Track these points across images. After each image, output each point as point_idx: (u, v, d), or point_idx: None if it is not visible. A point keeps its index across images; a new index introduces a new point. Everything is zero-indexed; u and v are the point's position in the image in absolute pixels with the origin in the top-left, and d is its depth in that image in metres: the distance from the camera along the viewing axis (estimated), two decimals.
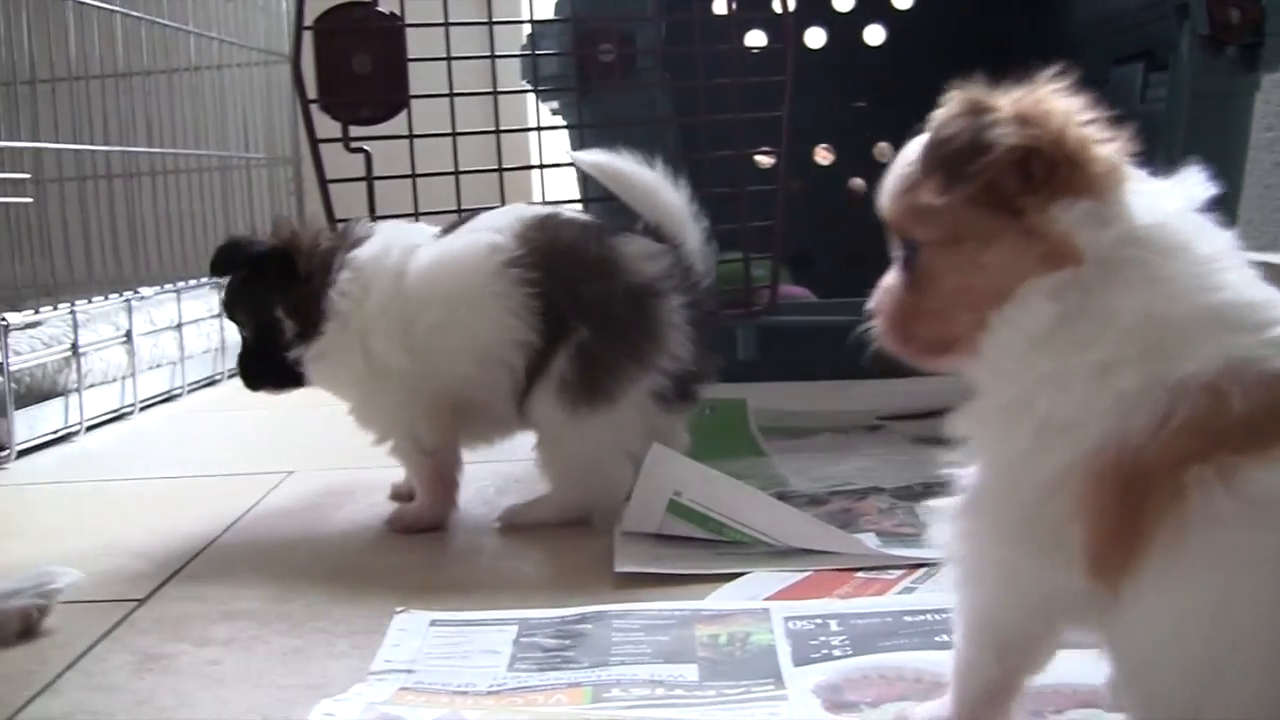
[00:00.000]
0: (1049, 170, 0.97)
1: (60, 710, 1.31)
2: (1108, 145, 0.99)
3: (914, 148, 1.05)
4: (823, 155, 3.34)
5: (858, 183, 3.32)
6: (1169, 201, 0.98)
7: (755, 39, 3.18)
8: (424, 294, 1.84)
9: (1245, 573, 0.85)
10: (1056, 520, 0.94)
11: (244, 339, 2.01)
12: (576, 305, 1.80)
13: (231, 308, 2.01)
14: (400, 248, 1.90)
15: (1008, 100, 0.99)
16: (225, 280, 2.00)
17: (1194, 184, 1.00)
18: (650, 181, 1.94)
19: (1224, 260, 0.96)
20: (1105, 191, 0.97)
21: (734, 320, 2.42)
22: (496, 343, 1.81)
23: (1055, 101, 0.99)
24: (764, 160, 3.01)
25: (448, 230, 1.94)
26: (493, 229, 1.86)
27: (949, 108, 1.01)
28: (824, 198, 3.24)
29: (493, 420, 1.95)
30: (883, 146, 3.32)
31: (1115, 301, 0.94)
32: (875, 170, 3.35)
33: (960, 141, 0.98)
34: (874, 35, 3.32)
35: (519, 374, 1.83)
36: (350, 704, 1.24)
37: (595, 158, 1.98)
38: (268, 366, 1.96)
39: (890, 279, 1.09)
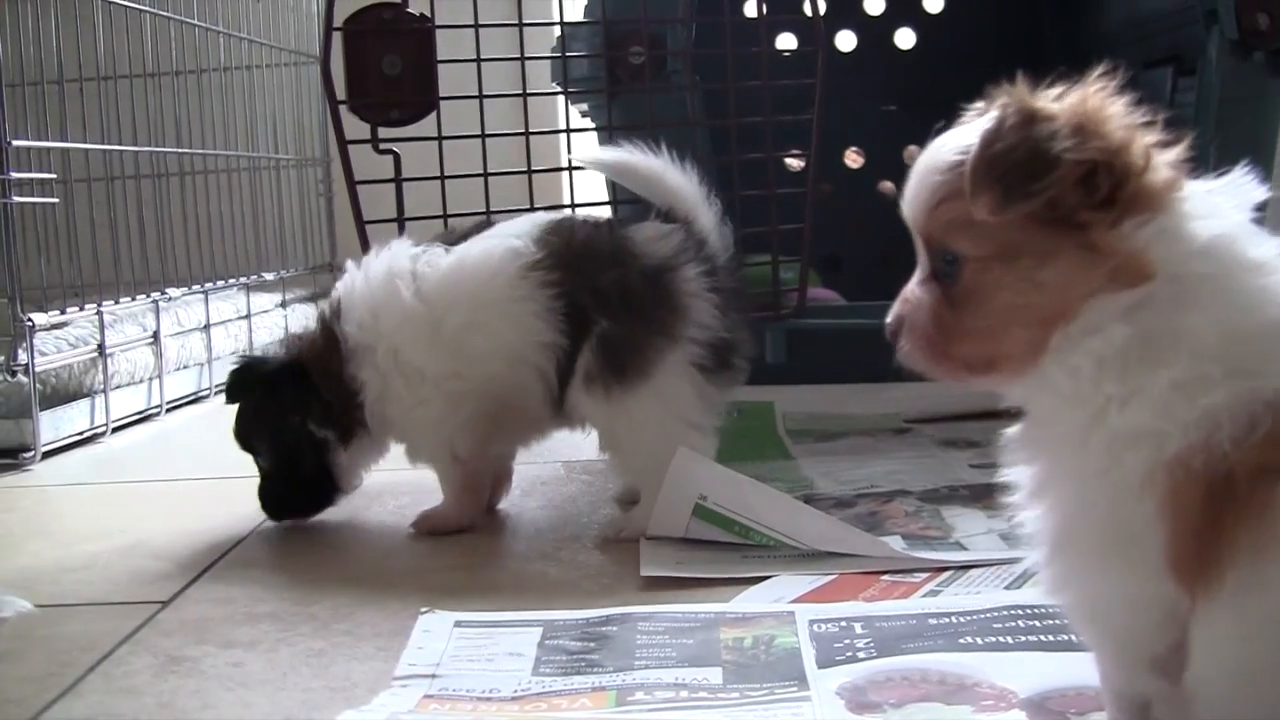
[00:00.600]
0: (1116, 184, 0.93)
1: (82, 713, 1.30)
2: (1166, 153, 0.96)
3: (940, 153, 1.01)
4: (852, 158, 3.34)
5: (887, 186, 3.32)
6: (1228, 211, 0.95)
7: (785, 42, 3.18)
8: (448, 296, 1.83)
9: None
10: (1140, 524, 0.91)
11: (262, 468, 1.96)
12: (595, 298, 1.79)
13: (247, 436, 1.96)
14: (389, 260, 1.89)
15: (1062, 107, 0.95)
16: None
17: (1246, 188, 0.98)
18: (655, 168, 1.94)
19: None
20: (1169, 204, 0.94)
21: (763, 322, 2.42)
22: (523, 345, 1.80)
23: (1110, 108, 0.95)
24: (793, 163, 3.01)
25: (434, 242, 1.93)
26: (511, 235, 1.85)
27: (1000, 115, 0.96)
28: (853, 201, 3.24)
29: (529, 423, 1.94)
30: (912, 150, 3.30)
31: (1190, 319, 0.91)
32: (905, 173, 3.35)
33: (1020, 155, 0.94)
34: (904, 39, 3.33)
35: (550, 376, 1.82)
36: (374, 714, 1.23)
37: (599, 154, 1.97)
38: (294, 491, 1.94)
39: (916, 292, 1.04)
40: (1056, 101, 0.96)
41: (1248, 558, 0.86)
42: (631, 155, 1.95)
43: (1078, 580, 0.99)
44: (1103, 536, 0.95)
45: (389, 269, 1.87)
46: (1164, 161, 0.95)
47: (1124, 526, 0.92)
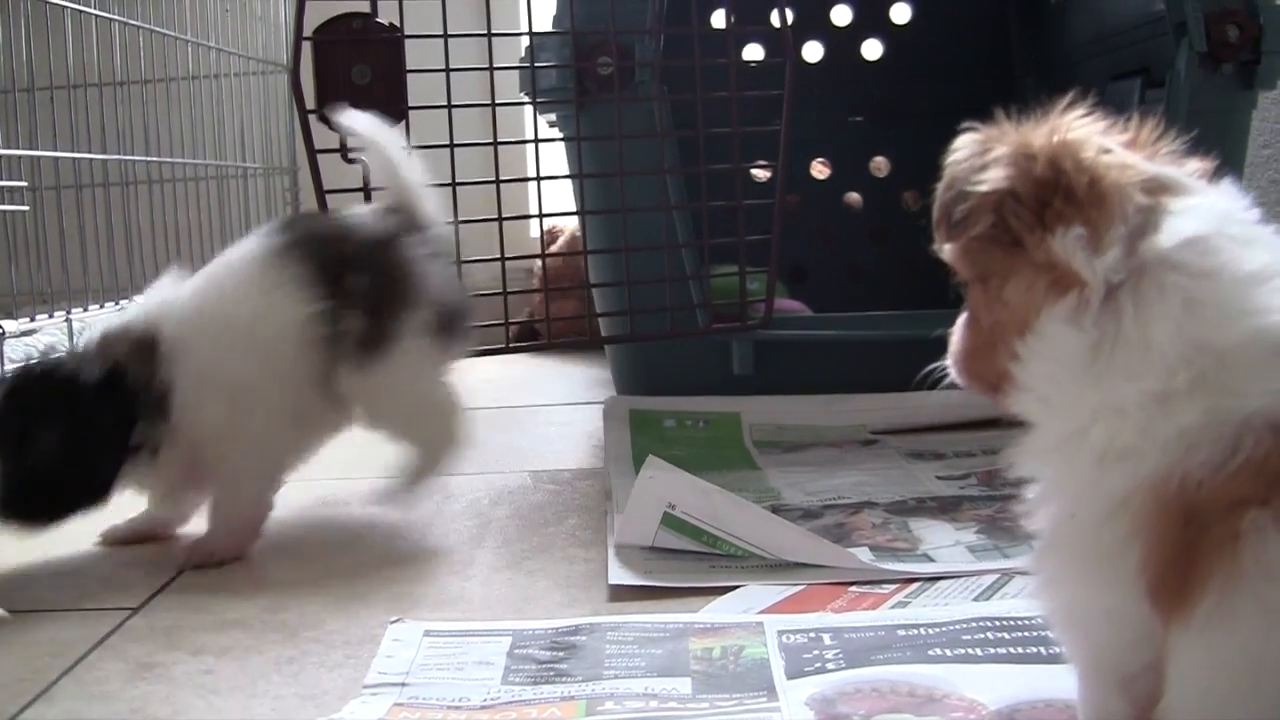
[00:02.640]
0: (1037, 206, 0.97)
1: (56, 717, 1.31)
2: (1123, 169, 0.98)
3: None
4: (819, 169, 3.35)
5: (853, 197, 3.35)
6: (1200, 218, 0.96)
7: (753, 53, 3.19)
8: (218, 299, 1.87)
9: None
10: (1116, 543, 0.93)
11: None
12: (338, 277, 1.85)
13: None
14: (159, 290, 1.96)
15: (1012, 137, 1.00)
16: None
17: (1232, 196, 1.00)
18: (394, 157, 1.99)
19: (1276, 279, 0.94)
20: (1108, 215, 0.96)
21: (729, 334, 2.43)
22: (297, 330, 1.83)
23: (1063, 132, 0.99)
24: (760, 174, 3.03)
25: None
26: (256, 238, 1.93)
27: (958, 150, 1.03)
28: (820, 212, 3.26)
29: (313, 425, 1.95)
30: (879, 161, 3.34)
31: (1152, 328, 0.93)
32: (871, 185, 3.38)
33: (955, 189, 1.01)
34: (872, 50, 3.33)
35: (319, 360, 1.85)
36: None
37: (354, 122, 1.98)
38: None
39: (962, 316, 1.10)
40: (1017, 131, 1.01)
41: (1219, 589, 0.87)
42: (380, 134, 1.99)
43: (1059, 587, 1.01)
44: (1084, 549, 0.96)
45: (165, 289, 1.95)
46: (1115, 175, 0.97)
47: (1103, 543, 0.94)
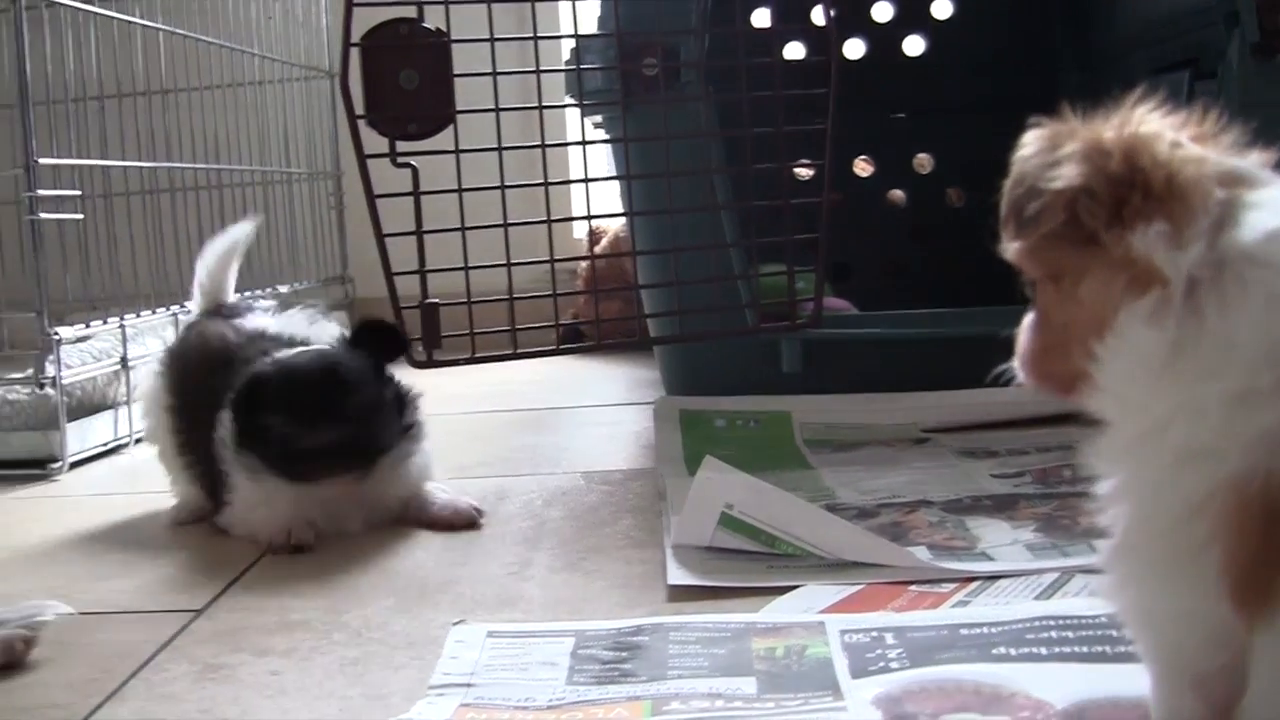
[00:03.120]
0: (1113, 203, 0.96)
1: (126, 717, 1.33)
2: (1198, 163, 0.97)
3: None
4: (862, 167, 3.34)
5: (897, 194, 3.34)
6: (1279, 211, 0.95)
7: (795, 51, 3.18)
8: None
9: None
10: (1195, 544, 0.91)
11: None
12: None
13: None
14: None
15: (1082, 132, 0.99)
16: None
17: None
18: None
19: None
20: (1189, 210, 0.94)
21: (778, 333, 2.43)
22: None
23: (1134, 126, 0.98)
24: (803, 172, 3.02)
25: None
26: None
27: (1026, 146, 1.02)
28: (863, 209, 3.25)
29: None
30: (922, 158, 3.33)
31: (1234, 325, 0.91)
32: (914, 182, 3.36)
33: (1025, 185, 1.00)
34: (913, 46, 3.32)
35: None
36: None
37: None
38: None
39: (1028, 317, 1.09)
40: (1086, 127, 1.00)
41: None
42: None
43: (1134, 587, 1.00)
44: (1161, 549, 0.95)
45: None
46: (1192, 170, 0.96)
47: (1181, 543, 0.93)
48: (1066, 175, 0.97)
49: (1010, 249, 1.04)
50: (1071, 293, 1.00)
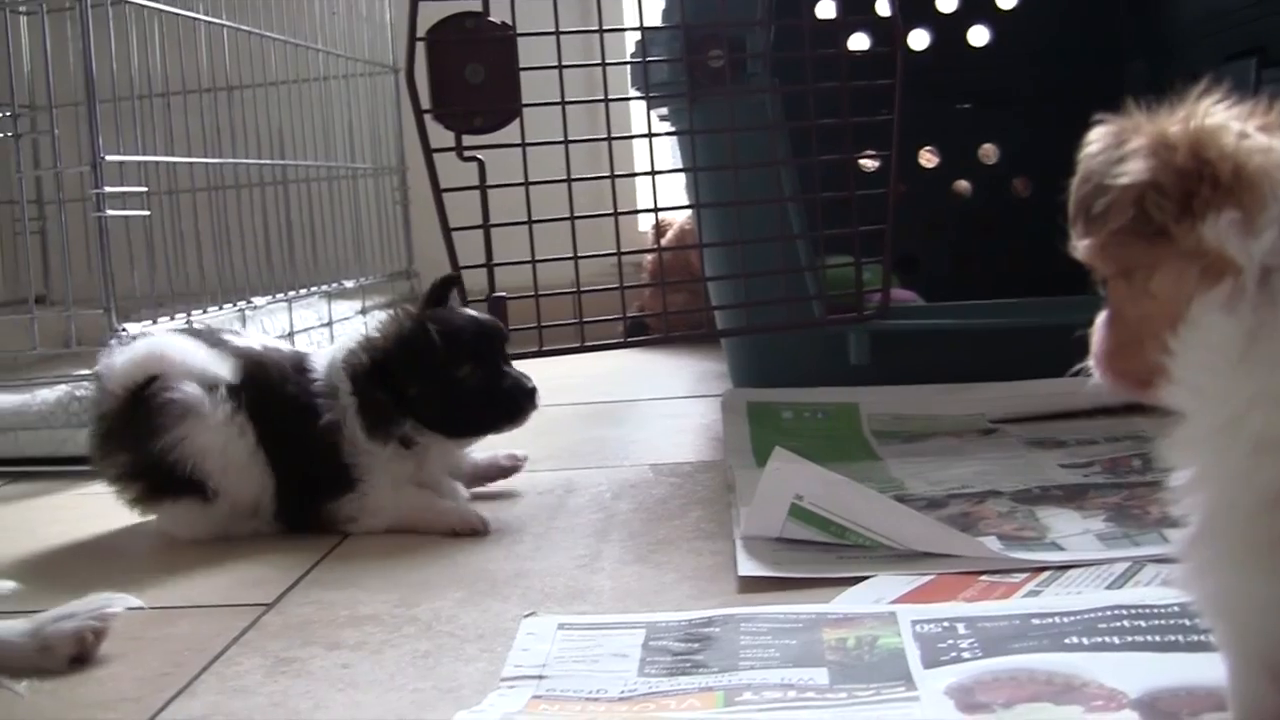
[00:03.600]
0: (1182, 196, 0.95)
1: (199, 711, 1.33)
2: (1266, 153, 0.95)
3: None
4: (927, 158, 3.34)
5: (962, 185, 3.33)
6: None
7: (858, 42, 3.18)
8: None
9: None
10: (1276, 534, 0.91)
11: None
12: None
13: None
14: None
15: (1147, 127, 0.98)
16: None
17: None
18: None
19: None
20: (1259, 199, 0.93)
21: (845, 324, 2.43)
22: None
23: (1199, 118, 0.97)
24: (868, 164, 3.02)
25: None
26: None
27: (1092, 143, 1.01)
28: (929, 200, 3.24)
29: None
30: (987, 148, 3.32)
31: None
32: (980, 172, 3.35)
33: (1093, 183, 1.00)
34: (978, 36, 3.31)
35: None
36: (486, 714, 1.25)
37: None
38: None
39: (1101, 315, 1.08)
40: (1151, 121, 0.99)
41: None
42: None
43: (1212, 576, 0.99)
44: (1240, 539, 0.94)
45: None
46: (1260, 159, 0.95)
47: (1260, 532, 0.92)
48: (1133, 171, 0.97)
49: (1080, 246, 1.03)
50: (1143, 287, 0.99)
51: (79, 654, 1.49)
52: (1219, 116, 0.98)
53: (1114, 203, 0.97)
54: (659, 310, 2.59)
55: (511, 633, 1.46)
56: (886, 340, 2.47)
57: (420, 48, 2.27)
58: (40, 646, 1.48)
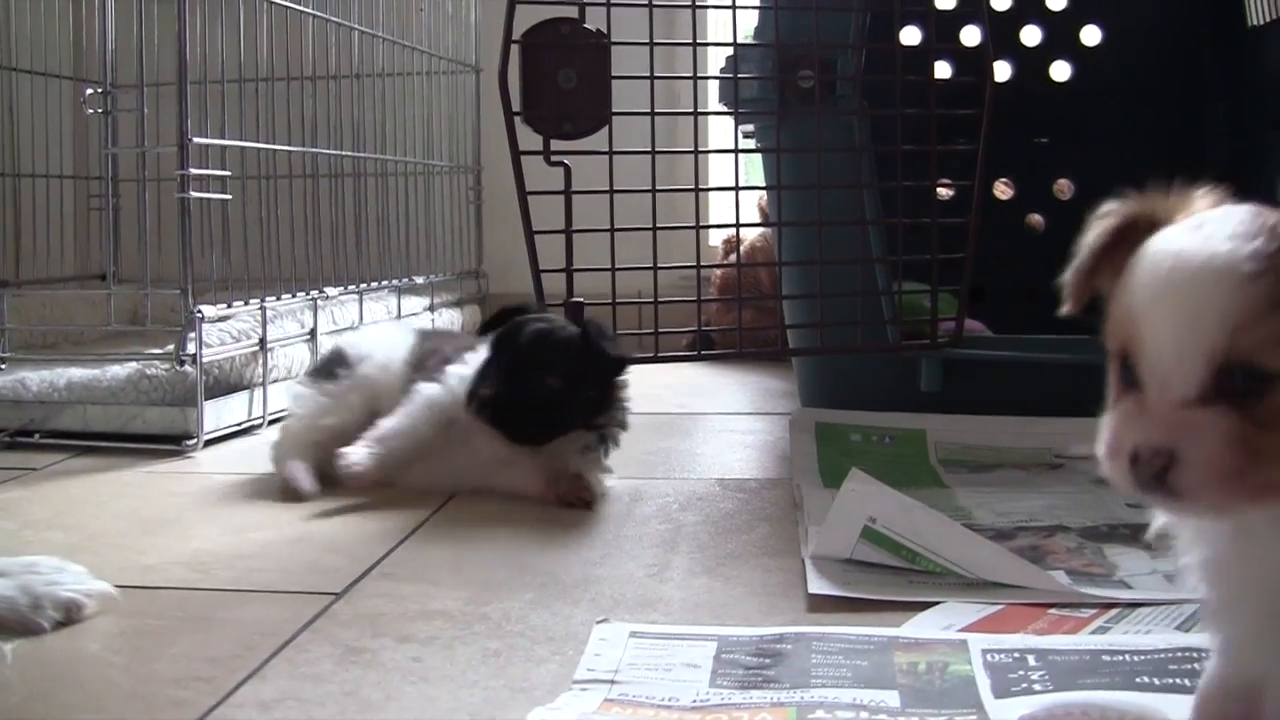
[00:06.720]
0: None
1: (271, 695, 1.34)
2: None
3: (1228, 254, 0.90)
4: (1002, 190, 3.33)
5: (1036, 218, 3.32)
6: None
7: (941, 70, 3.18)
8: None
9: None
10: None
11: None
12: None
13: None
14: None
15: None
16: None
17: None
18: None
19: None
20: None
21: (919, 351, 2.43)
22: None
23: None
24: (944, 192, 3.02)
25: None
26: None
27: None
28: (1001, 232, 3.23)
29: None
30: (1063, 183, 3.31)
31: None
32: (1054, 207, 3.34)
33: None
34: (1060, 71, 3.31)
35: None
36: (562, 713, 1.26)
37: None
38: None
39: (1190, 418, 0.90)
40: None
41: None
42: None
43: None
44: None
45: None
46: None
47: None
48: None
49: (1264, 336, 0.88)
50: None
51: (67, 620, 1.54)
52: None
53: None
54: (724, 325, 2.59)
55: (582, 637, 1.47)
56: (956, 369, 2.47)
57: (514, 51, 2.29)
58: (33, 605, 1.52)
